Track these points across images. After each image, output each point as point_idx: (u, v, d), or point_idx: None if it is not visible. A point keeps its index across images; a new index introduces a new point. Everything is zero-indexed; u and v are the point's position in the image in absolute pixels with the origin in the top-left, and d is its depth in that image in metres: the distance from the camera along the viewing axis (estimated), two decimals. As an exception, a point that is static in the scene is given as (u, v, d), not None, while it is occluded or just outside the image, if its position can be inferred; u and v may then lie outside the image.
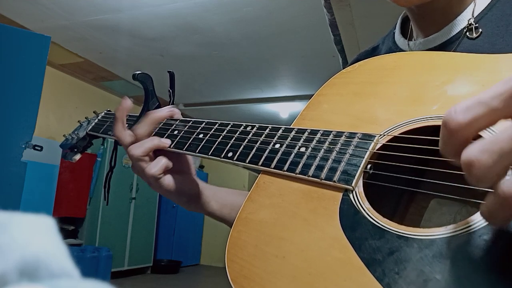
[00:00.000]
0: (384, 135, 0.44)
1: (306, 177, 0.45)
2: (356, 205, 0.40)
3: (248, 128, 0.56)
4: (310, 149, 0.47)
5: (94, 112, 0.85)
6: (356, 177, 0.42)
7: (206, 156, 0.57)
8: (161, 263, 5.55)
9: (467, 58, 0.45)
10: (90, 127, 0.79)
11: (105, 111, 0.82)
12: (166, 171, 0.59)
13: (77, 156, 0.82)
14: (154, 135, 0.62)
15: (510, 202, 0.26)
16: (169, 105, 0.70)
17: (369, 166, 0.42)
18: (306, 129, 0.50)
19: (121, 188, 4.78)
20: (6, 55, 1.97)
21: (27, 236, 0.16)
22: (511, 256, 0.30)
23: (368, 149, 0.43)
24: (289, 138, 0.50)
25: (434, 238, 0.34)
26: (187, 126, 0.62)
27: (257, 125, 0.55)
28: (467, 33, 0.53)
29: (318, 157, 0.46)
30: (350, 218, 0.40)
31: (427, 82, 0.46)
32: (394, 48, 0.64)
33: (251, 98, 5.45)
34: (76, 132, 0.83)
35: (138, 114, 0.67)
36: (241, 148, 0.53)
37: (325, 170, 0.44)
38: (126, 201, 4.92)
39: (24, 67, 2.04)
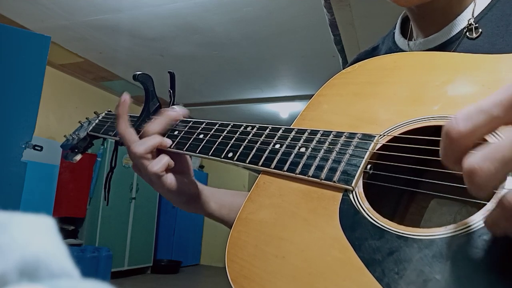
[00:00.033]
0: (384, 135, 0.44)
1: (306, 177, 0.45)
2: (356, 205, 0.40)
3: (248, 129, 0.56)
4: (310, 149, 0.47)
5: (94, 112, 0.85)
6: (356, 177, 0.42)
7: (207, 156, 0.57)
8: (161, 263, 5.55)
9: (467, 58, 0.45)
10: (91, 127, 0.79)
11: (106, 112, 0.82)
12: (167, 170, 0.59)
13: (78, 157, 0.82)
14: None
15: None
16: (169, 105, 0.70)
17: (369, 166, 0.43)
18: (306, 130, 0.50)
19: (121, 188, 4.78)
20: (6, 55, 1.97)
21: (27, 236, 0.16)
22: (511, 256, 0.30)
23: (368, 149, 0.43)
24: (289, 139, 0.50)
25: (434, 238, 0.34)
26: (188, 127, 0.62)
27: (257, 126, 0.55)
28: (467, 33, 0.53)
29: (318, 157, 0.46)
30: (350, 218, 0.40)
31: (428, 82, 0.46)
32: (394, 48, 0.64)
33: (251, 98, 5.45)
34: (76, 133, 0.83)
35: (138, 115, 0.67)
36: (241, 149, 0.53)
37: (325, 170, 0.44)
38: (126, 201, 4.92)
39: (24, 67, 2.04)
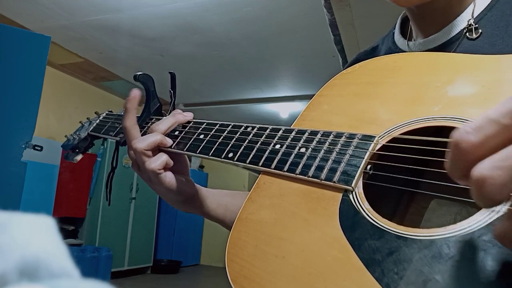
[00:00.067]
0: (384, 136, 0.44)
1: (306, 177, 0.45)
2: (355, 206, 0.40)
3: (249, 129, 0.56)
4: (310, 149, 0.47)
5: (95, 112, 0.85)
6: (355, 177, 0.42)
7: (207, 156, 0.57)
8: (161, 263, 5.55)
9: (467, 59, 0.45)
10: (92, 127, 0.79)
11: (107, 112, 0.82)
12: (166, 169, 0.59)
13: (79, 157, 0.82)
14: None
15: None
16: (170, 105, 0.70)
17: (369, 166, 0.43)
18: (306, 130, 0.50)
19: (121, 188, 4.78)
20: (6, 55, 1.97)
21: (27, 236, 0.16)
22: (511, 257, 0.30)
23: (368, 149, 0.43)
24: (289, 139, 0.50)
25: (434, 238, 0.34)
26: (188, 127, 0.62)
27: (257, 126, 0.55)
28: (467, 34, 0.53)
29: (318, 158, 0.46)
30: (349, 219, 0.40)
31: (428, 82, 0.46)
32: (394, 48, 0.64)
33: (251, 98, 5.45)
34: (77, 133, 0.83)
35: (138, 115, 0.67)
36: (241, 149, 0.53)
37: (325, 171, 0.44)
38: (126, 201, 4.92)
39: (24, 67, 2.04)
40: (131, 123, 0.61)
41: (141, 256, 5.18)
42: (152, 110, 0.68)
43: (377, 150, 0.43)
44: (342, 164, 0.44)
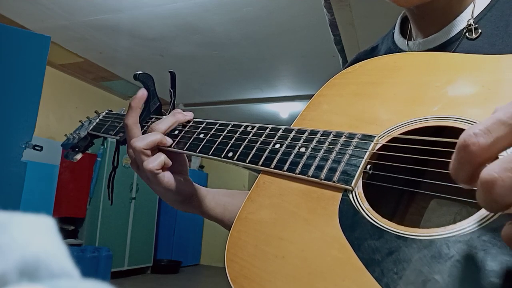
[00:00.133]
0: (384, 135, 0.44)
1: (306, 177, 0.45)
2: (355, 205, 0.40)
3: (249, 128, 0.56)
4: (310, 149, 0.47)
5: (95, 111, 0.85)
6: (355, 177, 0.42)
7: (207, 156, 0.57)
8: (161, 263, 5.55)
9: (467, 59, 0.45)
10: (92, 126, 0.79)
11: (106, 111, 0.82)
12: (165, 169, 0.59)
13: (78, 156, 0.82)
14: None
15: None
16: (170, 105, 0.70)
17: (368, 166, 0.43)
18: (306, 130, 0.50)
19: (121, 188, 4.78)
20: (6, 55, 1.97)
21: (27, 236, 0.16)
22: (510, 257, 0.30)
23: (367, 149, 0.43)
24: (289, 138, 0.50)
25: (433, 238, 0.34)
26: (188, 126, 0.62)
27: (257, 125, 0.55)
28: (467, 34, 0.53)
29: (318, 157, 0.46)
30: (349, 218, 0.40)
31: (428, 82, 0.46)
32: (394, 48, 0.64)
33: (251, 98, 5.45)
34: (77, 132, 0.83)
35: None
36: (241, 148, 0.54)
37: (325, 170, 0.44)
38: (126, 201, 4.92)
39: (24, 67, 2.04)
40: (133, 121, 0.61)
41: (141, 256, 5.18)
42: (152, 109, 0.68)
43: (377, 150, 0.43)
44: (342, 164, 0.44)
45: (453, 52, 0.53)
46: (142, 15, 3.43)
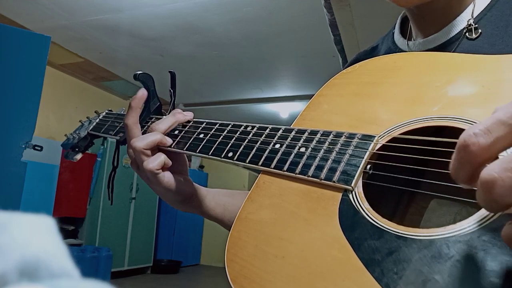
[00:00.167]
0: (384, 135, 0.44)
1: (306, 177, 0.45)
2: (355, 205, 0.40)
3: (249, 128, 0.56)
4: (310, 149, 0.47)
5: (95, 111, 0.85)
6: (355, 177, 0.42)
7: (207, 156, 0.57)
8: (161, 263, 5.55)
9: (467, 59, 0.45)
10: (92, 126, 0.80)
11: (106, 111, 0.82)
12: (165, 169, 0.59)
13: (78, 156, 0.82)
14: None
15: None
16: (170, 105, 0.70)
17: (368, 166, 0.43)
18: (306, 130, 0.50)
19: (121, 188, 4.78)
20: (6, 55, 1.97)
21: (27, 236, 0.16)
22: (510, 257, 0.30)
23: (367, 149, 0.43)
24: (289, 138, 0.50)
25: (433, 238, 0.34)
26: (188, 126, 0.62)
27: (257, 125, 0.55)
28: (467, 34, 0.53)
29: (318, 157, 0.46)
30: (349, 218, 0.40)
31: (428, 82, 0.46)
32: (394, 48, 0.64)
33: (251, 98, 5.45)
34: (77, 132, 0.83)
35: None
36: (241, 148, 0.53)
37: (325, 170, 0.44)
38: (126, 201, 4.92)
39: (24, 67, 2.04)
40: (133, 120, 0.61)
41: (141, 256, 5.18)
42: (152, 109, 0.68)
43: (377, 150, 0.43)
44: (342, 164, 0.44)
45: (453, 52, 0.53)
46: (142, 15, 3.43)
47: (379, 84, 0.50)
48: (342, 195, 0.42)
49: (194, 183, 0.66)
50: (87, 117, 0.86)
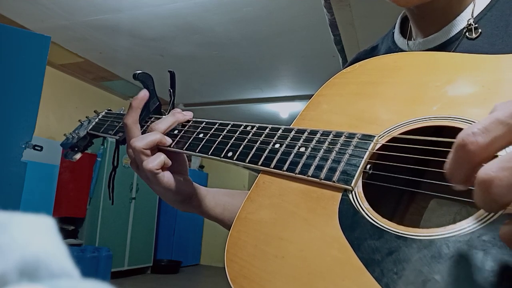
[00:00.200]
0: (384, 135, 0.44)
1: (306, 177, 0.45)
2: (355, 205, 0.40)
3: (248, 128, 0.56)
4: (309, 149, 0.47)
5: (95, 111, 0.85)
6: (355, 177, 0.42)
7: (206, 155, 0.57)
8: (161, 263, 5.55)
9: (467, 59, 0.45)
10: (91, 126, 0.79)
11: (106, 111, 0.82)
12: (164, 169, 0.59)
13: (78, 155, 0.82)
14: None
15: None
16: (169, 104, 0.70)
17: (368, 166, 0.43)
18: (306, 129, 0.50)
19: (121, 188, 4.78)
20: (6, 55, 1.97)
21: (27, 236, 0.16)
22: (510, 257, 0.30)
23: (367, 149, 0.43)
24: (289, 138, 0.50)
25: (433, 238, 0.34)
26: (187, 126, 0.62)
27: (257, 125, 0.55)
28: (467, 34, 0.53)
29: (318, 157, 0.46)
30: (349, 218, 0.40)
31: (428, 82, 0.46)
32: (394, 48, 0.64)
33: (251, 98, 5.45)
34: (76, 131, 0.83)
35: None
36: (241, 148, 0.53)
37: (325, 170, 0.44)
38: (126, 201, 4.92)
39: (24, 67, 2.04)
40: (133, 120, 0.61)
41: (141, 256, 5.18)
42: (151, 109, 0.68)
43: (376, 150, 0.43)
44: (342, 164, 0.44)
45: (453, 52, 0.53)
46: (142, 15, 3.43)
47: (379, 83, 0.50)
48: (342, 195, 0.42)
49: (194, 183, 0.66)
50: (86, 117, 0.86)
